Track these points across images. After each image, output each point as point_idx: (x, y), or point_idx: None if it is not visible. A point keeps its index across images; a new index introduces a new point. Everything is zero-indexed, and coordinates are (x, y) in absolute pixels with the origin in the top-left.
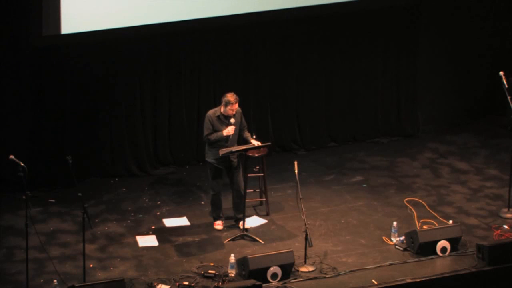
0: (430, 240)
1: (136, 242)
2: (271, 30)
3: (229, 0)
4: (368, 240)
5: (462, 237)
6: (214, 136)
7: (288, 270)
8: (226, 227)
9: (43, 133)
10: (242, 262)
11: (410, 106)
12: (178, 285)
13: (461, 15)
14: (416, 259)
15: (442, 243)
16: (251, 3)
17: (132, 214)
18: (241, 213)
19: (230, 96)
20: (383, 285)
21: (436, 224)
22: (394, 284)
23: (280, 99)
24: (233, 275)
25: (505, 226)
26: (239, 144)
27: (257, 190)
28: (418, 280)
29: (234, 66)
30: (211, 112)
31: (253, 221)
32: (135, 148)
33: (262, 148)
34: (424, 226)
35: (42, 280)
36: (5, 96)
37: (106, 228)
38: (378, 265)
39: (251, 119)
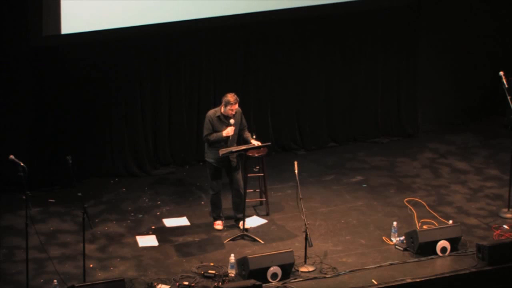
0: (430, 240)
1: (136, 242)
2: (271, 30)
3: (229, 0)
4: (368, 240)
5: (462, 237)
6: (214, 136)
7: (288, 270)
8: (226, 227)
9: (43, 133)
10: (242, 262)
11: (410, 106)
12: (178, 285)
13: (461, 15)
14: (416, 259)
15: (442, 243)
16: (251, 3)
17: (132, 214)
18: (241, 213)
19: (230, 97)
20: (383, 285)
21: (436, 224)
22: (394, 284)
23: (280, 99)
24: (233, 275)
25: (505, 226)
26: (239, 144)
27: (257, 190)
28: (418, 280)
29: (234, 66)
30: (211, 112)
31: (253, 221)
32: (135, 148)
33: (262, 148)
34: (424, 226)
35: (42, 280)
36: (5, 96)
37: (106, 228)
38: (378, 265)
39: (251, 119)
